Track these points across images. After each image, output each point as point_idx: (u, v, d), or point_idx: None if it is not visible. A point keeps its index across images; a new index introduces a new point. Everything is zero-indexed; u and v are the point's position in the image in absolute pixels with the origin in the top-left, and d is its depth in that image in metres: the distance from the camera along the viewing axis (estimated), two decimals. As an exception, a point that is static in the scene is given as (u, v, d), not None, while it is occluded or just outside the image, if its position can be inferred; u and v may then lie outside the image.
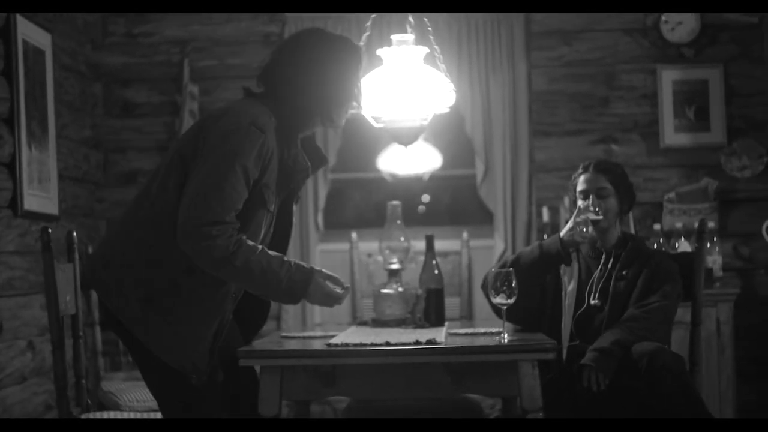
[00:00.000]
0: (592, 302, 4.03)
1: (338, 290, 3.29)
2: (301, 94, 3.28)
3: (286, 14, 5.96)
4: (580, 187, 4.09)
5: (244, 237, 3.12)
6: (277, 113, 3.25)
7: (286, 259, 3.21)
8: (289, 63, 3.30)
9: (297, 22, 5.95)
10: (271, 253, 3.19)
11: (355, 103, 3.43)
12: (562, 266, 4.15)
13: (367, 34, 4.47)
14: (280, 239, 3.44)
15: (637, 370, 3.67)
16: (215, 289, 3.22)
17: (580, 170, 4.13)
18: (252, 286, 3.19)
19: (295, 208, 3.53)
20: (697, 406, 3.59)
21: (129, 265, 3.18)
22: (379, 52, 4.34)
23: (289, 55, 3.32)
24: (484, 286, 4.14)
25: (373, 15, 4.46)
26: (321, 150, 3.56)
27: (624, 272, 4.02)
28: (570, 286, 4.10)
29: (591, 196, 4.03)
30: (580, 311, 4.04)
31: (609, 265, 4.06)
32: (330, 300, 3.28)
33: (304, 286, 3.20)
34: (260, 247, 3.16)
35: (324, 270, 3.26)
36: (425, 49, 4.34)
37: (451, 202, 6.68)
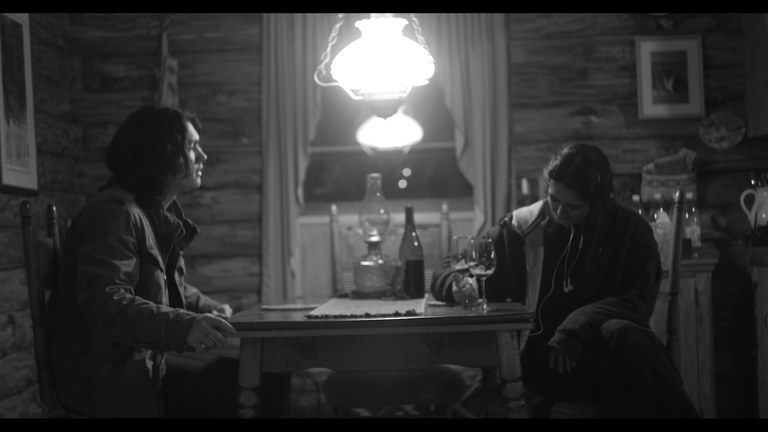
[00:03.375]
0: (565, 290, 3.98)
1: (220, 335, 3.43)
2: (130, 169, 3.66)
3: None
4: (551, 191, 3.95)
5: (137, 297, 3.44)
6: (131, 189, 3.63)
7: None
8: (115, 147, 3.72)
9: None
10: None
11: (191, 166, 3.75)
12: (525, 246, 4.10)
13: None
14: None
15: (607, 347, 3.66)
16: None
17: (552, 174, 3.92)
18: (142, 333, 3.39)
19: (178, 278, 3.85)
20: (663, 384, 3.57)
21: (63, 354, 3.58)
22: (358, 24, 4.34)
23: (114, 141, 3.74)
24: (434, 287, 4.13)
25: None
26: (190, 221, 3.88)
27: (599, 249, 3.95)
28: (534, 268, 4.04)
29: (560, 207, 3.93)
30: (546, 297, 3.99)
31: (580, 244, 4.00)
32: (208, 338, 3.39)
33: (188, 323, 3.39)
34: (151, 302, 3.44)
35: (212, 317, 3.45)
36: (404, 21, 4.34)
37: (432, 174, 6.69)
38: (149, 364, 3.56)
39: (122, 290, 3.39)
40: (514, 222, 4.14)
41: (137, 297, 3.42)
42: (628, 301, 3.85)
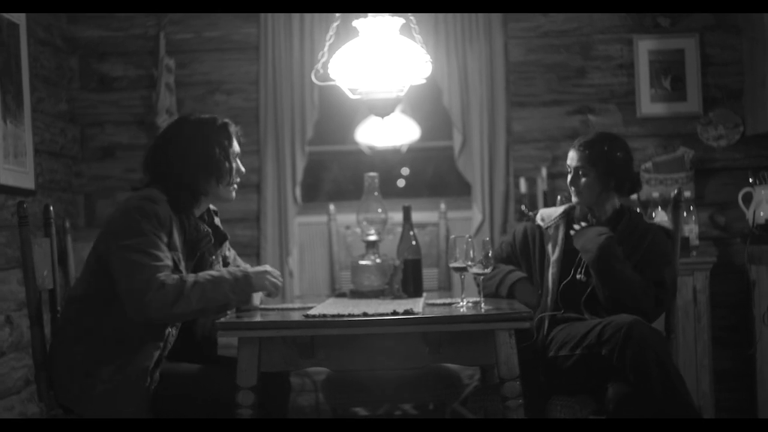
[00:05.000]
0: (577, 277, 4.04)
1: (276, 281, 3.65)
2: (171, 172, 3.64)
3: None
4: (567, 162, 4.16)
5: (182, 274, 3.50)
6: (167, 191, 3.61)
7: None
8: (157, 149, 3.70)
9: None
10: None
11: (234, 175, 3.78)
12: (546, 235, 4.17)
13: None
14: None
15: (614, 339, 3.68)
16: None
17: (573, 146, 4.18)
18: (209, 301, 3.47)
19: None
20: (668, 380, 3.59)
21: (70, 346, 3.55)
22: (355, 23, 4.33)
23: (156, 145, 3.73)
24: (489, 287, 4.22)
25: None
26: (220, 228, 3.88)
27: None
28: (554, 255, 4.10)
29: (570, 175, 4.12)
30: (565, 282, 4.06)
31: None
32: (273, 283, 3.63)
33: (247, 276, 3.56)
34: (198, 274, 3.52)
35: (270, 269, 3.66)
36: (401, 20, 4.33)
37: (430, 173, 6.68)
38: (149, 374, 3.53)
39: (171, 274, 3.43)
40: (538, 217, 4.27)
41: (183, 275, 3.48)
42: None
